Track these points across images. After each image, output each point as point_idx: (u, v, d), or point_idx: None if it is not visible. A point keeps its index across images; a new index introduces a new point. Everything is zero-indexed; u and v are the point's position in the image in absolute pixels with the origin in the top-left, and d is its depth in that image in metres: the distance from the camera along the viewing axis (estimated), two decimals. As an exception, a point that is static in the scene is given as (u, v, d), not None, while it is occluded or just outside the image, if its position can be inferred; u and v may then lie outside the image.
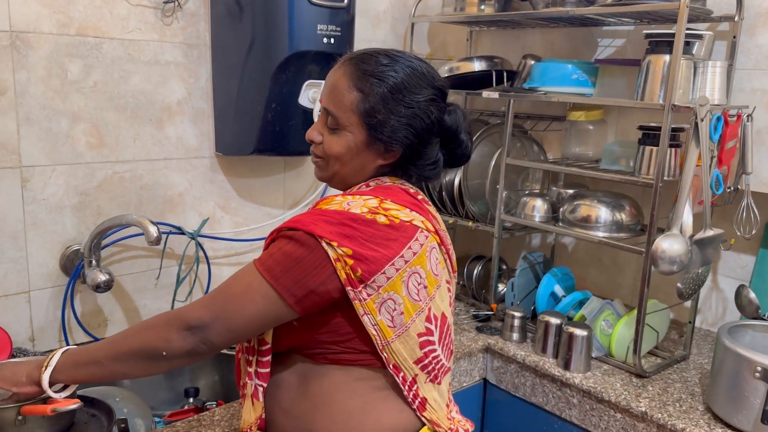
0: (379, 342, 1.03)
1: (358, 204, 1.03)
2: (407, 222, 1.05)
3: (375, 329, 1.02)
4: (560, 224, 1.83)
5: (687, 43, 1.53)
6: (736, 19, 1.63)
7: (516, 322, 1.82)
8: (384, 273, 1.00)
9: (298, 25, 1.64)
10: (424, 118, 1.07)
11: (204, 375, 1.84)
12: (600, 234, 1.73)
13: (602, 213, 1.73)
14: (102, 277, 1.54)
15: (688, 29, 1.49)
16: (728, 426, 1.42)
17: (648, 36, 1.56)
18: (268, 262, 1.00)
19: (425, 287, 1.06)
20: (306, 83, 1.70)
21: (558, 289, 1.90)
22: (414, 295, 1.04)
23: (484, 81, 2.02)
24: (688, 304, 1.81)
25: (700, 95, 1.53)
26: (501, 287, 2.08)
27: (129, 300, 1.75)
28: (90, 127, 1.60)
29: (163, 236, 1.70)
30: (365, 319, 1.01)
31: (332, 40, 1.69)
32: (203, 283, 1.88)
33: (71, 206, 1.60)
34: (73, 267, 1.60)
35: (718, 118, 1.49)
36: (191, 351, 0.99)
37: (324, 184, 2.09)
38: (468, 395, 1.85)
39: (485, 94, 1.89)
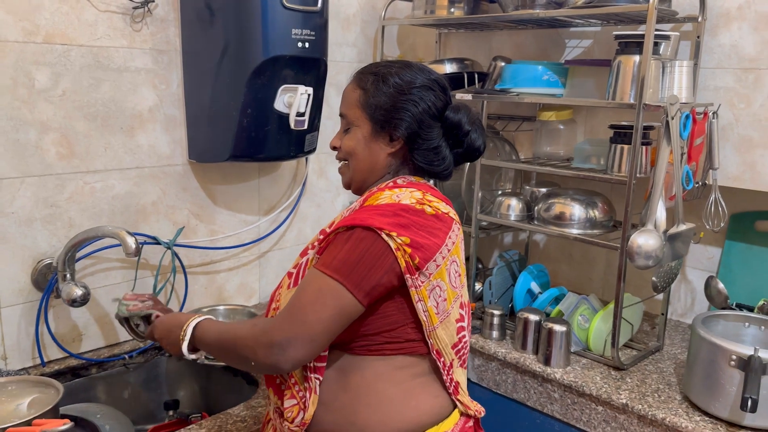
0: (427, 328, 1.10)
1: (407, 195, 1.11)
2: (446, 213, 1.14)
3: (425, 315, 1.09)
4: (535, 222, 1.86)
5: (655, 44, 1.57)
6: (699, 19, 1.69)
7: (495, 320, 1.85)
8: (434, 261, 1.08)
9: (272, 30, 1.62)
10: (419, 103, 1.14)
11: (183, 386, 1.81)
12: (574, 231, 1.77)
13: (576, 210, 1.77)
14: (78, 291, 1.50)
15: (656, 30, 1.54)
16: (706, 414, 1.47)
17: (618, 37, 1.60)
18: (333, 264, 1.04)
19: (459, 275, 1.16)
20: (281, 88, 1.68)
21: (534, 286, 1.94)
22: (453, 282, 1.13)
23: (456, 83, 2.04)
24: (660, 296, 1.86)
25: (670, 94, 1.58)
26: (478, 286, 2.10)
27: (104, 313, 1.70)
28: (59, 136, 1.55)
29: (140, 248, 1.66)
30: (419, 306, 1.08)
31: (307, 45, 1.68)
32: (180, 293, 1.84)
33: (41, 219, 1.55)
34: (46, 281, 1.55)
35: (687, 116, 1.54)
36: (275, 365, 1.04)
37: (299, 188, 2.08)
38: (450, 395, 1.86)
39: (459, 95, 1.91)
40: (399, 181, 1.17)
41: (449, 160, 1.19)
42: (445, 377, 1.15)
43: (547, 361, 1.69)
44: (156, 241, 1.73)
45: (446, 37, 2.36)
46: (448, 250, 1.11)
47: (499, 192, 2.05)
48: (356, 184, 1.22)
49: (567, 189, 1.90)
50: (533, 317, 1.76)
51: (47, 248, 1.57)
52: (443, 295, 1.11)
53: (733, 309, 1.70)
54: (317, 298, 1.04)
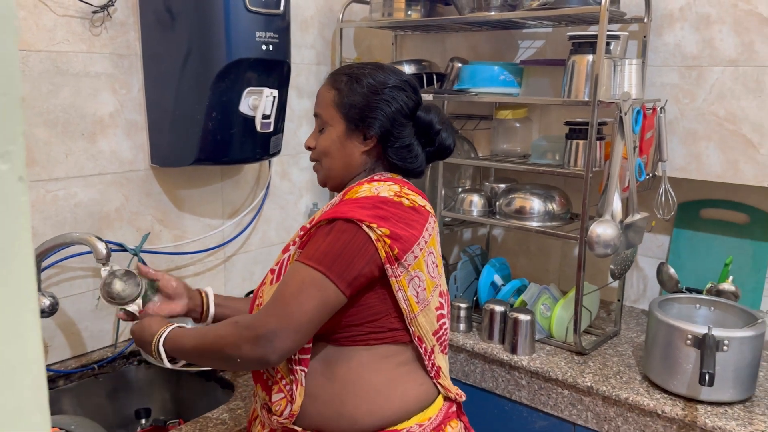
0: (408, 316, 1.14)
1: (385, 188, 1.14)
2: (422, 206, 1.18)
3: (406, 304, 1.13)
4: (497, 217, 1.92)
5: (607, 44, 1.66)
6: (645, 20, 1.79)
7: (462, 313, 1.90)
8: (412, 252, 1.12)
9: (235, 33, 1.63)
10: (392, 102, 1.18)
11: (154, 394, 1.79)
12: (534, 224, 1.84)
13: (535, 204, 1.84)
14: (46, 302, 1.46)
15: (607, 31, 1.62)
16: (665, 391, 1.56)
17: (572, 38, 1.68)
18: (316, 255, 1.07)
19: (436, 266, 1.20)
20: (246, 90, 1.69)
21: (497, 279, 2.00)
22: (431, 272, 1.17)
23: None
24: (614, 284, 1.96)
25: (621, 91, 1.67)
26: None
27: (70, 323, 1.67)
28: (19, 144, 1.51)
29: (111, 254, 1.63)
30: (399, 295, 1.12)
31: (271, 47, 1.69)
32: (146, 299, 1.82)
33: (2, 229, 1.51)
34: (9, 293, 1.51)
35: (638, 112, 1.63)
36: (262, 359, 1.06)
37: (263, 192, 2.08)
38: (420, 388, 1.90)
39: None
40: (377, 177, 1.20)
41: (421, 158, 1.23)
42: (427, 362, 1.19)
43: (513, 350, 1.75)
44: (122, 248, 1.70)
45: (402, 39, 2.41)
46: (425, 242, 1.15)
47: (461, 189, 2.11)
48: (333, 181, 1.25)
49: (525, 184, 1.97)
50: (498, 308, 1.82)
51: (9, 259, 1.52)
52: (422, 285, 1.15)
53: (684, 292, 1.80)
54: (301, 289, 1.06)
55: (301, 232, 1.16)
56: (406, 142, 1.20)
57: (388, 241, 1.08)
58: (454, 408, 1.26)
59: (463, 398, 1.28)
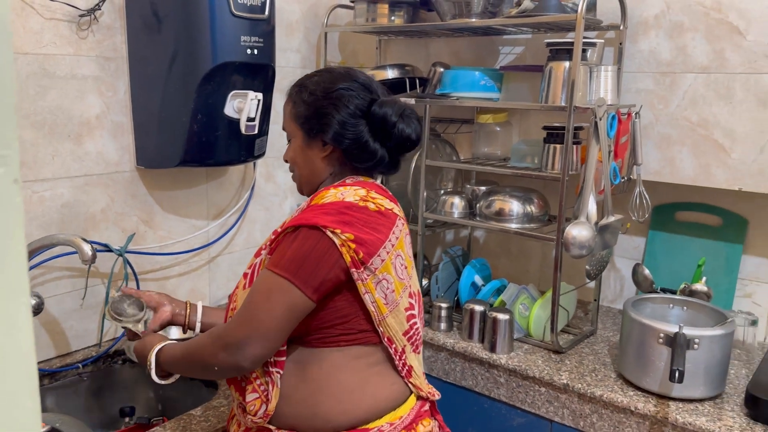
0: (376, 317, 1.16)
1: (351, 193, 1.16)
2: (390, 210, 1.20)
3: (374, 306, 1.15)
4: (477, 219, 1.96)
5: (583, 51, 1.70)
6: (621, 27, 1.84)
7: (443, 313, 1.94)
8: (379, 255, 1.14)
9: (221, 37, 1.66)
10: (340, 105, 1.20)
11: (138, 393, 1.81)
12: (513, 226, 1.88)
13: (514, 206, 1.89)
14: (32, 301, 1.48)
15: (583, 38, 1.67)
16: (638, 388, 1.60)
17: (549, 45, 1.72)
18: (282, 263, 1.09)
19: (405, 267, 1.21)
20: (231, 93, 1.72)
21: (478, 279, 2.04)
22: (400, 274, 1.19)
23: (398, 87, 2.12)
24: (592, 284, 2.01)
25: (597, 97, 1.71)
26: (425, 282, 2.19)
27: (54, 323, 1.69)
28: (6, 145, 1.53)
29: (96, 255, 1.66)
30: (366, 298, 1.14)
31: (255, 51, 1.72)
32: (131, 299, 1.84)
33: (-12, 229, 1.53)
34: (-5, 292, 1.53)
35: (613, 117, 1.68)
36: (235, 366, 1.10)
37: (248, 193, 2.11)
38: (402, 386, 1.94)
39: (402, 100, 1.99)
40: (348, 181, 1.23)
41: (381, 154, 1.22)
42: (397, 362, 1.21)
43: (492, 349, 1.79)
44: (108, 249, 1.73)
45: (386, 44, 2.45)
46: (392, 245, 1.17)
47: (442, 191, 2.15)
48: (306, 188, 1.29)
49: (505, 187, 2.01)
50: (478, 308, 1.86)
51: (-5, 259, 1.54)
52: (390, 287, 1.17)
53: (658, 293, 1.86)
54: (268, 297, 1.10)
55: (273, 237, 1.18)
56: (362, 141, 1.20)
57: (353, 245, 1.10)
58: (427, 407, 1.28)
59: (437, 397, 1.31)
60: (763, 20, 1.65)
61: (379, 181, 1.31)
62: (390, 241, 1.17)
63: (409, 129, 1.23)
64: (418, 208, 2.02)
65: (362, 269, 1.12)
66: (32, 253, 1.50)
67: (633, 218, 1.88)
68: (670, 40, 1.80)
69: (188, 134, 1.70)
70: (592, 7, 1.77)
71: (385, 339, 1.19)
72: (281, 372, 1.16)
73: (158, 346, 1.24)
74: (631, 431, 1.56)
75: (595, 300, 1.97)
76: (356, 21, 2.13)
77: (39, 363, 1.66)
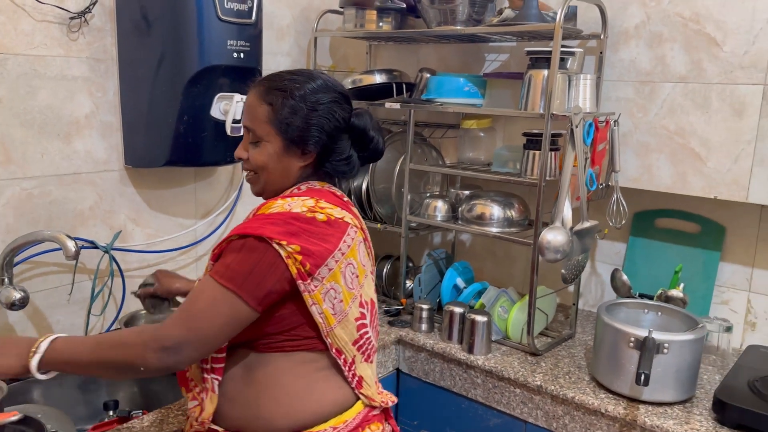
0: (324, 329, 1.15)
1: (298, 204, 1.15)
2: (340, 219, 1.19)
3: (321, 317, 1.15)
4: (459, 222, 2.00)
5: (562, 59, 1.74)
6: (602, 37, 1.87)
7: (424, 314, 1.97)
8: (327, 265, 1.13)
9: (208, 41, 1.70)
10: (329, 118, 1.20)
11: (123, 387, 1.85)
12: (494, 229, 1.92)
13: (495, 211, 1.92)
14: (17, 295, 1.52)
15: (563, 47, 1.71)
16: (610, 391, 1.63)
17: (529, 53, 1.76)
18: (227, 273, 1.08)
19: (357, 276, 1.21)
20: (217, 96, 1.76)
21: (460, 282, 2.08)
22: (349, 284, 1.18)
23: (385, 92, 2.16)
24: (571, 288, 2.04)
25: (574, 105, 1.75)
26: (409, 283, 2.22)
27: (42, 317, 1.73)
28: (-5, 143, 1.58)
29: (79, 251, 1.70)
30: (313, 309, 1.13)
31: (242, 55, 1.76)
32: (117, 297, 1.88)
33: (-23, 224, 1.57)
34: (-17, 286, 1.57)
35: (590, 124, 1.71)
36: (167, 368, 1.07)
37: (236, 193, 2.15)
38: (383, 385, 1.94)
39: (388, 104, 2.04)
40: (302, 188, 1.23)
41: (356, 165, 1.27)
42: (347, 373, 1.21)
43: (470, 350, 1.83)
44: (94, 245, 1.77)
45: (376, 49, 2.49)
46: (342, 254, 1.16)
47: (427, 195, 2.18)
48: (269, 194, 1.27)
49: (488, 191, 2.05)
50: (458, 310, 1.89)
51: (-17, 253, 1.59)
52: (339, 297, 1.16)
53: (636, 298, 1.89)
54: (211, 306, 1.08)
55: (222, 245, 1.16)
56: (345, 155, 1.24)
57: (299, 257, 1.09)
58: (376, 412, 1.28)
59: (390, 404, 1.30)
60: (739, 32, 1.68)
61: (335, 184, 1.31)
62: (340, 250, 1.16)
63: (382, 142, 1.28)
64: (401, 210, 2.05)
65: (309, 280, 1.11)
66: (18, 249, 1.54)
67: (611, 224, 1.91)
68: (650, 49, 1.83)
69: (175, 135, 1.74)
70: (572, 17, 1.80)
71: (334, 350, 1.18)
72: (219, 378, 1.17)
73: (53, 336, 1.13)
74: (602, 433, 1.59)
75: (573, 304, 2.00)
76: (345, 26, 2.17)
77: (25, 356, 1.69)
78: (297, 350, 1.17)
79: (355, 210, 1.31)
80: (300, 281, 1.11)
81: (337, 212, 1.19)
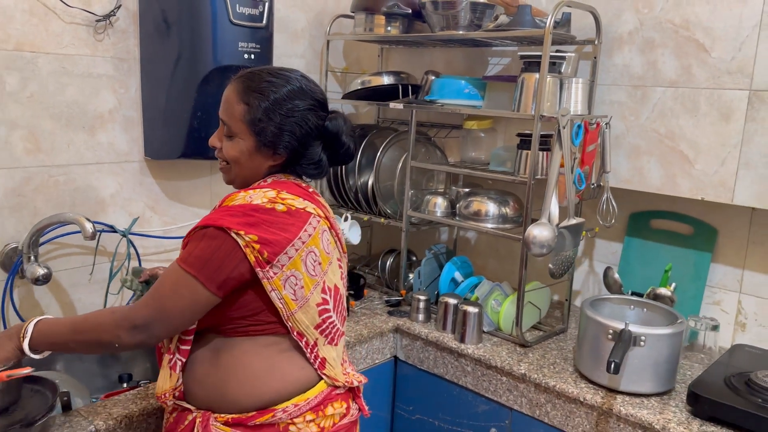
0: (285, 313, 1.23)
1: (259, 196, 1.23)
2: (302, 209, 1.26)
3: (281, 303, 1.22)
4: (457, 218, 2.09)
5: (553, 63, 1.82)
6: (596, 42, 1.94)
7: (421, 305, 2.07)
8: (286, 253, 1.21)
9: (221, 43, 1.83)
10: (303, 125, 1.27)
11: (137, 363, 1.99)
12: (489, 225, 2.00)
13: (490, 208, 2.01)
14: (41, 271, 1.68)
15: (557, 51, 1.79)
16: (591, 382, 1.70)
17: (522, 57, 1.84)
18: (189, 260, 1.19)
19: (319, 264, 1.28)
20: (229, 94, 1.89)
21: (458, 275, 2.16)
22: (311, 271, 1.25)
23: (393, 93, 2.27)
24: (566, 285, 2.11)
25: (562, 107, 1.82)
26: (411, 276, 2.32)
27: (65, 294, 1.89)
28: (27, 134, 1.74)
29: (97, 234, 1.85)
30: (273, 295, 1.21)
31: (252, 56, 1.89)
32: (135, 277, 2.03)
33: (9, 207, 1.73)
34: (12, 263, 1.73)
35: (579, 126, 1.78)
36: (139, 344, 1.19)
37: (248, 186, 2.28)
38: (380, 371, 2.08)
39: (392, 105, 2.14)
40: (268, 180, 1.30)
41: (326, 167, 1.34)
42: (309, 354, 1.28)
43: (462, 339, 1.92)
44: (113, 230, 1.92)
45: (387, 52, 2.59)
46: (303, 242, 1.23)
47: (431, 191, 2.28)
48: (238, 185, 1.35)
49: (487, 189, 2.13)
50: (452, 301, 1.99)
51: (14, 233, 1.75)
52: (299, 283, 1.23)
53: (625, 295, 1.95)
54: (175, 289, 1.19)
55: (189, 234, 1.25)
56: (315, 159, 1.31)
57: (257, 246, 1.17)
58: (340, 390, 1.34)
59: (357, 384, 1.37)
60: (727, 39, 1.74)
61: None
62: (300, 238, 1.23)
63: (353, 146, 1.36)
64: (402, 206, 2.15)
65: (267, 268, 1.18)
66: (43, 229, 1.69)
67: (601, 223, 1.97)
68: (642, 55, 1.89)
69: (189, 129, 1.88)
70: (565, 23, 1.88)
71: (295, 333, 1.25)
72: (183, 360, 1.26)
73: (37, 318, 1.27)
74: (581, 420, 1.66)
75: (566, 300, 2.07)
76: (356, 30, 2.28)
77: (49, 329, 1.85)
78: (260, 334, 1.24)
79: (321, 200, 1.37)
80: (258, 269, 1.18)
81: (299, 203, 1.26)
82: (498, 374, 1.83)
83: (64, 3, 1.73)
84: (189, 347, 1.27)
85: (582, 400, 1.65)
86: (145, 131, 1.98)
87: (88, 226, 1.61)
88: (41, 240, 1.75)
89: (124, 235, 1.92)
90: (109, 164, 1.93)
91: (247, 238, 1.17)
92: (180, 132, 1.89)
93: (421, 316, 2.08)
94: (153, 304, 1.19)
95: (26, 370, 1.22)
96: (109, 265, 1.94)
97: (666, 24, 1.84)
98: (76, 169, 1.85)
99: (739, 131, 1.74)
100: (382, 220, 2.26)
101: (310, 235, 1.25)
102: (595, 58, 1.95)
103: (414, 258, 2.43)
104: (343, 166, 2.28)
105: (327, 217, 1.34)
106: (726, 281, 1.97)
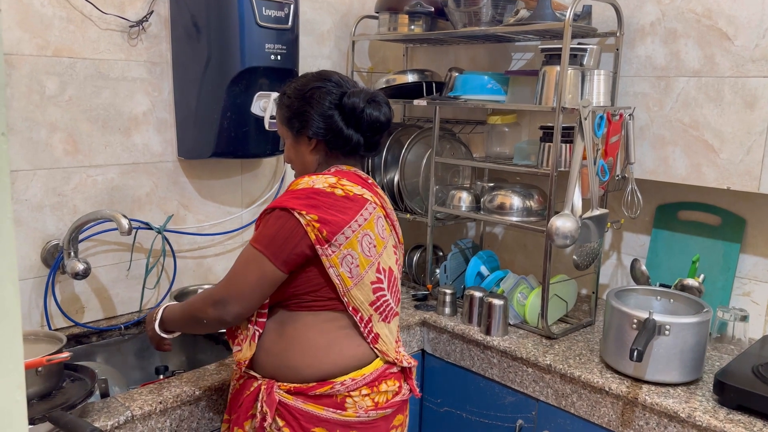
0: (341, 289, 1.34)
1: (321, 181, 1.36)
2: (359, 195, 1.38)
3: (338, 279, 1.34)
4: (482, 212, 2.11)
5: (574, 56, 1.83)
6: (618, 34, 1.95)
7: (447, 298, 2.10)
8: (343, 233, 1.33)
9: (248, 45, 1.89)
10: (314, 101, 1.40)
11: (173, 356, 2.07)
12: (513, 219, 2.02)
13: (515, 201, 2.02)
14: (81, 266, 1.76)
15: (579, 44, 1.80)
16: (616, 372, 1.71)
17: (543, 50, 1.86)
18: (258, 238, 1.33)
19: (374, 246, 1.39)
20: (257, 94, 1.95)
21: (483, 269, 2.18)
22: (366, 251, 1.37)
23: (418, 91, 2.30)
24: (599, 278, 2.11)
25: (584, 98, 1.83)
26: (437, 271, 2.35)
27: (103, 289, 1.97)
28: (66, 136, 1.82)
29: (133, 231, 1.93)
30: (331, 271, 1.33)
31: (279, 57, 1.95)
32: (169, 273, 2.10)
33: (50, 206, 1.82)
34: (53, 259, 1.82)
35: (602, 117, 1.79)
36: (219, 319, 1.33)
37: (278, 183, 2.35)
38: (407, 364, 2.11)
39: (416, 102, 2.18)
40: (331, 169, 1.43)
41: (355, 139, 1.42)
42: (363, 329, 1.39)
43: (488, 331, 1.94)
44: (148, 227, 1.99)
45: (412, 51, 2.63)
46: (359, 225, 1.35)
47: (456, 186, 2.31)
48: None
49: (512, 183, 2.15)
50: (477, 294, 2.01)
51: (55, 231, 1.84)
52: (355, 262, 1.35)
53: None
54: (245, 266, 1.33)
55: (261, 216, 1.40)
56: (336, 129, 1.40)
57: (317, 225, 1.30)
58: (395, 370, 1.45)
59: (407, 364, 1.47)
60: (750, 26, 1.73)
61: (361, 166, 1.50)
62: (356, 221, 1.35)
63: (377, 112, 1.42)
64: (428, 201, 2.18)
65: (326, 246, 1.31)
66: (82, 226, 1.77)
67: (627, 214, 1.97)
68: (665, 45, 1.89)
69: (219, 129, 1.95)
70: (586, 16, 1.89)
71: (350, 308, 1.37)
72: (260, 330, 1.38)
73: (166, 304, 1.51)
74: (607, 410, 1.67)
75: (593, 293, 2.07)
76: (380, 30, 2.32)
77: (89, 322, 1.94)
78: (322, 310, 1.36)
79: (379, 191, 1.49)
80: (318, 246, 1.30)
81: (357, 189, 1.39)
82: (524, 365, 1.84)
83: (100, 10, 1.82)
84: (265, 320, 1.38)
85: (607, 390, 1.65)
86: (178, 132, 2.05)
87: (125, 222, 1.69)
88: (80, 237, 1.84)
89: (159, 232, 2.00)
90: (144, 164, 2.00)
91: (308, 218, 1.29)
92: (211, 132, 1.96)
93: (447, 310, 2.10)
94: (228, 281, 1.34)
95: (63, 355, 1.29)
96: (145, 260, 2.02)
97: (688, 14, 1.84)
98: (113, 170, 1.94)
99: (765, 119, 1.72)
100: (408, 216, 2.29)
101: (366, 219, 1.37)
102: (617, 49, 1.96)
103: (441, 253, 2.45)
104: (370, 163, 2.33)
105: (383, 206, 1.45)
106: (756, 272, 1.95)
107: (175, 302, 1.51)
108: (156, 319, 1.48)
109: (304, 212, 1.30)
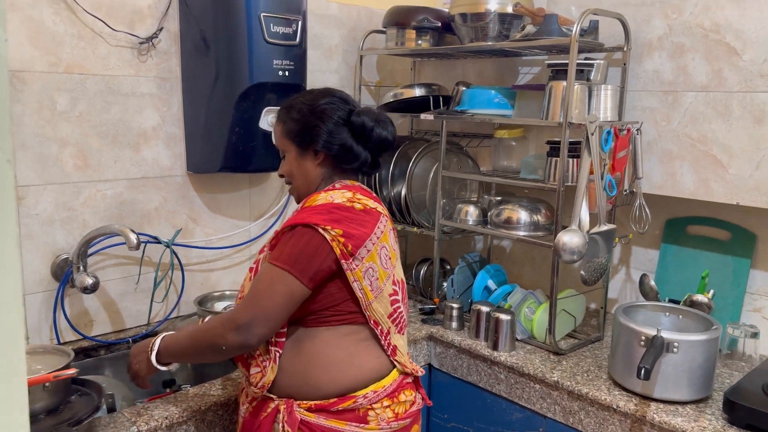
0: (364, 303, 1.35)
1: (339, 196, 1.37)
2: (373, 208, 1.40)
3: (361, 293, 1.34)
4: (489, 226, 2.11)
5: (581, 71, 1.83)
6: (625, 49, 1.95)
7: (454, 313, 2.09)
8: (365, 247, 1.34)
9: (256, 61, 1.91)
10: (325, 117, 1.41)
11: (181, 369, 2.06)
12: (521, 233, 2.02)
13: (522, 215, 2.02)
14: (89, 280, 1.77)
15: (586, 59, 1.80)
16: (624, 389, 1.69)
17: (549, 65, 1.86)
18: (281, 257, 1.30)
19: (389, 258, 1.41)
20: (265, 110, 1.96)
21: (491, 284, 2.18)
22: (384, 264, 1.38)
23: (426, 105, 2.31)
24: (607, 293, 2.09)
25: (591, 113, 1.83)
26: (444, 285, 2.34)
27: (112, 303, 1.98)
28: (76, 151, 1.84)
29: (142, 244, 1.94)
30: (355, 285, 1.33)
31: (287, 73, 1.96)
32: (177, 287, 2.12)
33: (60, 220, 1.84)
34: (63, 273, 1.83)
35: (609, 132, 1.79)
36: (242, 344, 1.29)
37: (286, 197, 2.36)
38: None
39: (423, 116, 2.19)
40: (337, 185, 1.43)
41: (365, 156, 1.44)
42: (383, 342, 1.41)
43: (495, 347, 1.93)
44: (157, 240, 2.01)
45: (420, 65, 2.64)
46: (377, 238, 1.38)
47: (463, 200, 2.30)
48: (302, 196, 1.48)
49: (519, 198, 2.15)
50: (484, 308, 2.00)
51: (64, 245, 1.85)
52: (375, 275, 1.37)
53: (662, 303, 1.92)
54: (270, 285, 1.30)
55: (274, 236, 1.39)
56: (347, 145, 1.42)
57: (342, 239, 1.30)
58: (410, 380, 1.47)
59: (420, 373, 1.49)
60: (758, 41, 1.72)
61: (362, 181, 1.52)
62: (375, 234, 1.37)
63: (385, 132, 1.45)
64: (435, 214, 2.18)
65: (351, 260, 1.31)
66: (92, 240, 1.79)
67: (635, 229, 1.96)
68: (672, 60, 1.89)
69: (227, 144, 1.96)
70: (593, 31, 1.89)
71: (372, 322, 1.38)
72: (280, 351, 1.36)
73: (163, 334, 1.43)
74: (615, 428, 1.65)
75: (602, 308, 2.06)
76: (388, 45, 2.34)
77: (98, 336, 1.95)
78: (340, 324, 1.36)
79: (382, 204, 1.50)
80: (343, 260, 1.30)
81: (371, 203, 1.41)
82: (531, 382, 1.83)
83: (111, 27, 1.84)
84: (284, 339, 1.37)
85: (615, 407, 1.64)
86: (187, 146, 2.07)
87: (133, 237, 1.70)
88: (90, 251, 1.85)
89: (167, 246, 2.01)
90: (153, 178, 2.02)
91: (333, 233, 1.29)
92: (219, 147, 1.97)
93: (454, 324, 2.10)
94: (252, 303, 1.30)
95: (70, 371, 1.30)
96: (154, 274, 2.03)
97: (696, 28, 1.83)
98: (122, 184, 1.95)
99: (774, 134, 1.71)
100: (415, 229, 2.29)
101: (382, 232, 1.40)
102: (624, 64, 1.95)
103: (448, 267, 2.45)
104: (377, 177, 2.33)
105: (389, 218, 1.48)
106: (767, 288, 1.93)
107: (172, 332, 1.45)
108: (153, 350, 1.41)
109: (328, 227, 1.30)
